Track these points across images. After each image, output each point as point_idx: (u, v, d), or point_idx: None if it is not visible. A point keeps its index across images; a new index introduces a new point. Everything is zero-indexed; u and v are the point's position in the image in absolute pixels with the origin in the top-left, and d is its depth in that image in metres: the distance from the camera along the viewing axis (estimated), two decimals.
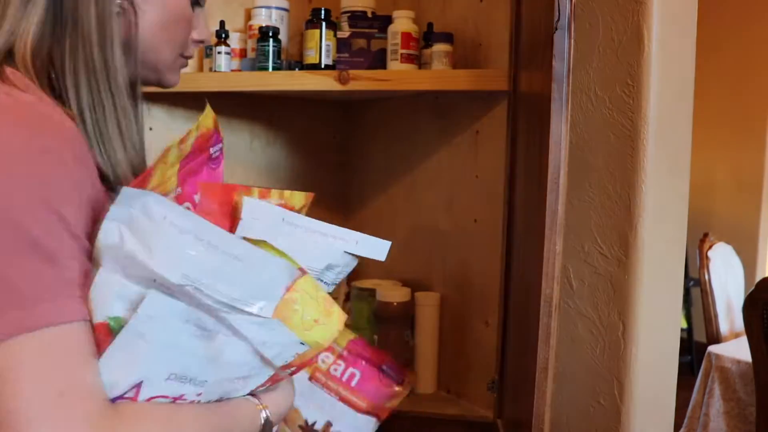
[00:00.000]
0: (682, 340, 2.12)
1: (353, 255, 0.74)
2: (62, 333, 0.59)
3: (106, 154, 0.69)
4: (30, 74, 0.68)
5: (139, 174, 0.68)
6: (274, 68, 1.56)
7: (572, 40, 1.05)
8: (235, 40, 1.67)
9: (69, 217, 0.61)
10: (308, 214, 0.80)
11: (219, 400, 0.69)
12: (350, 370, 0.96)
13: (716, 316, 2.76)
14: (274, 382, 0.72)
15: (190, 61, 1.91)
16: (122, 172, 0.70)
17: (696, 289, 3.85)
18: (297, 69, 1.59)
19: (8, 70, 0.67)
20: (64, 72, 0.69)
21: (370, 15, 1.59)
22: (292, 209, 0.75)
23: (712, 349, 2.41)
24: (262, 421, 0.72)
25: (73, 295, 0.61)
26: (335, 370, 0.96)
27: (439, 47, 1.51)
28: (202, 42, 0.86)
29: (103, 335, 0.61)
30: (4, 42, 0.68)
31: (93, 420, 0.59)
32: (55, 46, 0.69)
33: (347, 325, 0.76)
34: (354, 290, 1.66)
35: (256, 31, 1.61)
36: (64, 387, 0.58)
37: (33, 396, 0.57)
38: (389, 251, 0.73)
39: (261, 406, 0.73)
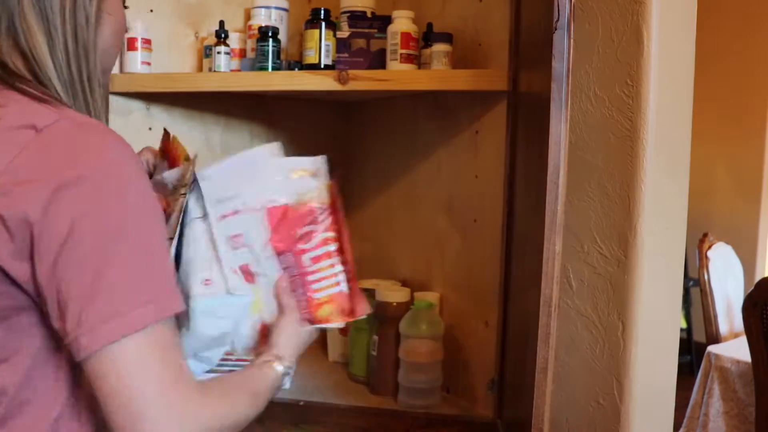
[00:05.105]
0: (681, 340, 2.12)
1: None
2: (168, 323, 0.71)
3: None
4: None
5: None
6: (273, 68, 1.56)
7: (572, 40, 1.05)
8: (234, 40, 1.67)
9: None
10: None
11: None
12: None
13: (716, 316, 2.76)
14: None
15: (189, 61, 1.92)
16: None
17: (695, 289, 3.85)
18: (296, 69, 1.59)
19: (30, 88, 0.74)
20: (54, 84, 0.76)
21: (369, 15, 1.59)
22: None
23: (712, 349, 2.41)
24: (277, 374, 0.87)
25: (175, 288, 0.74)
26: None
27: (439, 47, 1.51)
28: None
29: None
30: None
31: (198, 399, 0.71)
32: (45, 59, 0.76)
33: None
34: None
35: (256, 31, 1.61)
36: (177, 375, 0.70)
37: (155, 383, 0.68)
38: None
39: (273, 361, 0.87)
